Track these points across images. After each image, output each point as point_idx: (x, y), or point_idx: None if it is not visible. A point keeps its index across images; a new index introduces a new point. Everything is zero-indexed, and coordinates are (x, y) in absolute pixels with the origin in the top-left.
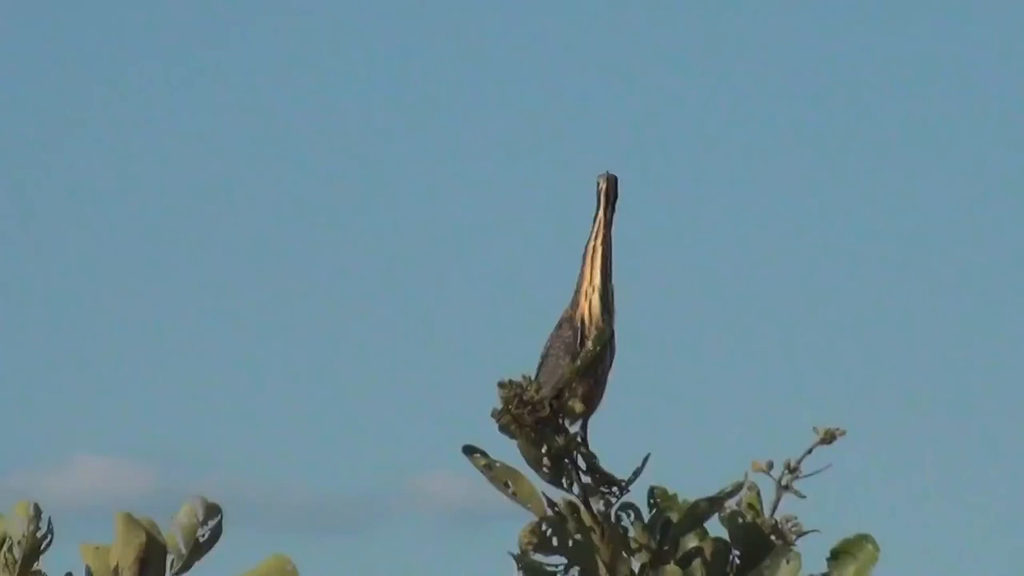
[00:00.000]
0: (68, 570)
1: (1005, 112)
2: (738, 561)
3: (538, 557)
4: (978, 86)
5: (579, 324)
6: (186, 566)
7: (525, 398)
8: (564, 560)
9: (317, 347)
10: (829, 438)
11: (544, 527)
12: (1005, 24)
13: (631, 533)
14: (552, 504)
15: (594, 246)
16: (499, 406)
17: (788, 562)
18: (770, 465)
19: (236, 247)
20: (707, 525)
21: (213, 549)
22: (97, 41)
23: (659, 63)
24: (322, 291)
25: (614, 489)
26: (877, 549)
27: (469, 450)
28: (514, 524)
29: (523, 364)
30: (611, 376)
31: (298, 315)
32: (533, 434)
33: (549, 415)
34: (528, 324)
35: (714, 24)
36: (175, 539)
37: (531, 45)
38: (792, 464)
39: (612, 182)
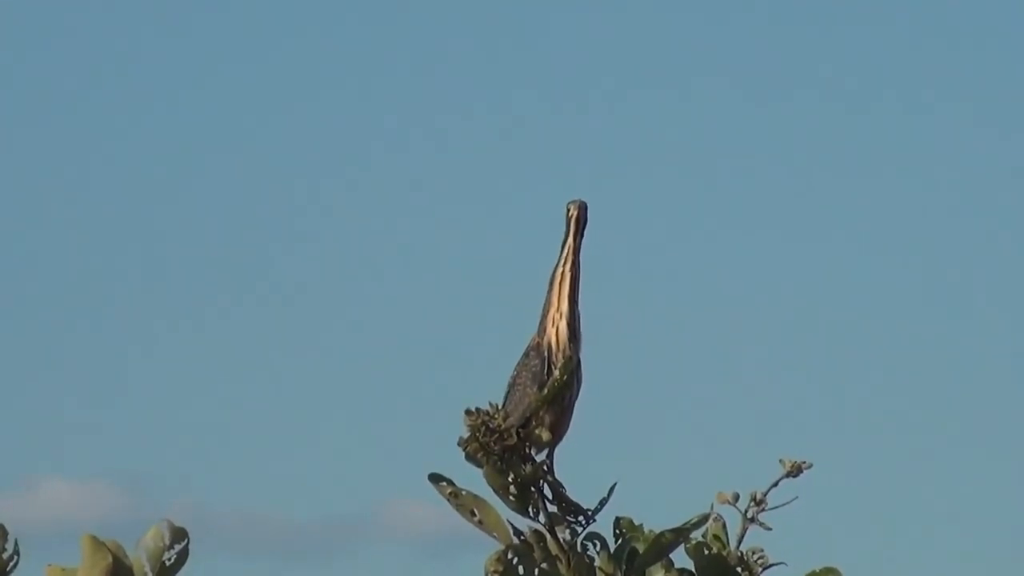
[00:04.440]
0: None
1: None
2: None
3: None
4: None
5: (546, 351)
6: None
7: (492, 426)
8: None
9: (288, 375)
10: (795, 471)
11: (510, 556)
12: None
13: (597, 563)
14: (518, 533)
15: (562, 272)
16: (466, 434)
17: None
18: (736, 497)
19: (208, 273)
20: (673, 556)
21: (179, 573)
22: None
23: (627, 88)
24: (293, 319)
25: (580, 518)
26: None
27: (435, 478)
28: (480, 553)
29: (490, 392)
30: (578, 405)
31: (270, 342)
32: (500, 462)
33: (516, 443)
34: (495, 351)
35: (686, 44)
36: (141, 562)
37: (497, 71)
38: (758, 496)
39: (582, 209)
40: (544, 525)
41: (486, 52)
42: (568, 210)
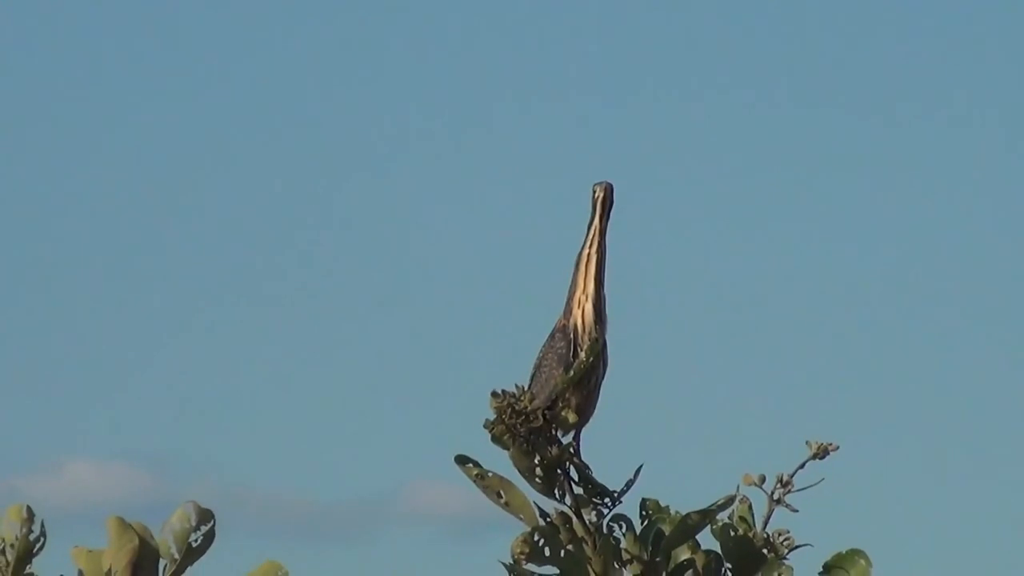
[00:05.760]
0: (61, 573)
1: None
2: (730, 574)
3: (530, 567)
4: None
5: (572, 333)
6: (179, 571)
7: (518, 408)
8: (556, 570)
9: (313, 355)
10: (821, 453)
11: (536, 537)
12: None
13: (623, 544)
14: (544, 514)
15: (588, 254)
16: (492, 416)
17: None
18: (762, 479)
19: (233, 254)
20: (699, 538)
21: (206, 554)
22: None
23: (652, 71)
24: (319, 300)
25: (606, 500)
26: (869, 564)
27: (462, 460)
28: (507, 534)
29: (516, 374)
30: (604, 386)
31: (296, 323)
32: (526, 444)
33: (542, 425)
34: (521, 333)
35: (707, 31)
36: (167, 544)
37: (524, 54)
38: (784, 478)
39: (608, 191)
40: (570, 507)
41: (512, 40)
42: (594, 192)
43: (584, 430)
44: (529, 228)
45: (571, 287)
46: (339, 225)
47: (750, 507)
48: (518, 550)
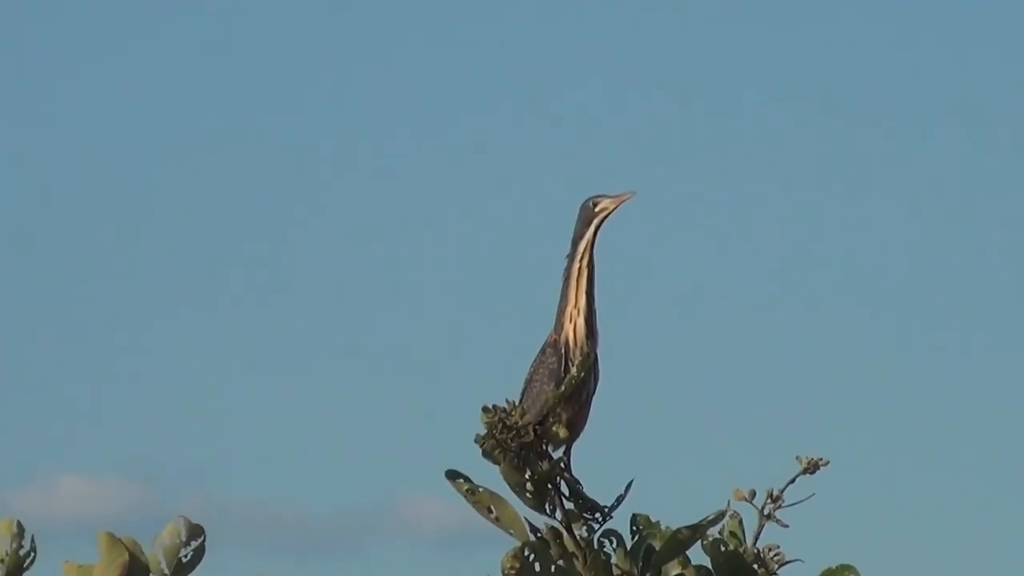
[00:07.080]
0: None
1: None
2: None
3: None
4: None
5: (563, 348)
6: None
7: (509, 423)
8: None
9: (304, 368)
10: (812, 468)
11: (526, 553)
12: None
13: (613, 559)
14: (535, 530)
15: (579, 267)
16: (483, 431)
17: None
18: (752, 494)
19: (224, 265)
20: (689, 553)
21: (196, 569)
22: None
23: (639, 78)
24: (310, 312)
25: (597, 515)
26: None
27: (452, 475)
28: (497, 549)
29: (507, 389)
30: (595, 401)
31: (287, 334)
32: (517, 459)
33: (533, 440)
34: (513, 348)
35: (700, 33)
36: (157, 559)
37: (514, 64)
38: (775, 493)
39: (611, 208)
40: (561, 522)
41: (498, 47)
42: (595, 205)
43: (575, 445)
44: (520, 241)
45: (561, 301)
46: (331, 235)
47: (740, 522)
48: (508, 565)
